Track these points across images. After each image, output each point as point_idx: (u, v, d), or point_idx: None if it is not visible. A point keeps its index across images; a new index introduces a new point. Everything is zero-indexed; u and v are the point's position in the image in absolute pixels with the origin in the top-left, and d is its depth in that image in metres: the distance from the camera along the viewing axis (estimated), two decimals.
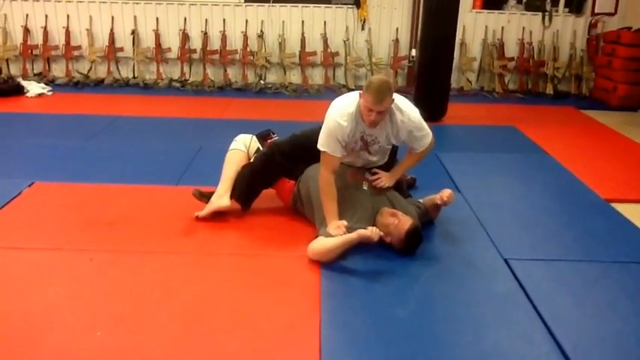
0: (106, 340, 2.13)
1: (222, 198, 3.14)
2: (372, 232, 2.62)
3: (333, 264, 2.69)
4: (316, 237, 2.80)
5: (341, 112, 2.84)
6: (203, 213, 3.12)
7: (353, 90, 6.79)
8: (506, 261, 2.79)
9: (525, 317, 2.36)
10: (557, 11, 7.13)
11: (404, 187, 3.28)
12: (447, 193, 3.00)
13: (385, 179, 3.02)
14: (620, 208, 3.48)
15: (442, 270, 2.72)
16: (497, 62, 7.01)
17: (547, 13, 7.05)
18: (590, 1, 7.08)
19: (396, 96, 2.87)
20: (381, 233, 2.66)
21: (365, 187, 2.97)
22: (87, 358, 2.04)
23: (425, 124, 2.99)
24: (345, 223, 2.74)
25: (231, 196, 3.16)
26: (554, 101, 6.75)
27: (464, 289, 2.57)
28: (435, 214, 3.15)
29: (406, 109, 2.92)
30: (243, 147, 3.27)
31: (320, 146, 2.86)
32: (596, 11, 7.07)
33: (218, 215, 3.14)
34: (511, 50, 7.14)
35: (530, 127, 5.34)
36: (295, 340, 2.18)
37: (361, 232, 2.64)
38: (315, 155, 2.94)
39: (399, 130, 2.91)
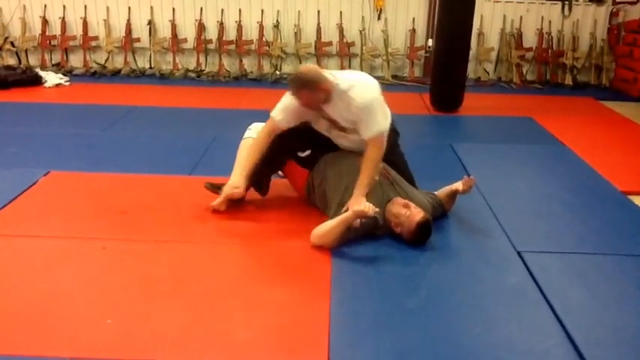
0: (116, 327, 2.15)
1: (235, 186, 3.10)
2: (365, 206, 2.62)
3: (343, 253, 2.69)
4: None
5: None
6: (217, 202, 3.09)
7: None
8: (519, 253, 2.76)
9: (537, 310, 2.34)
10: (577, 0, 7.00)
11: (411, 177, 3.23)
12: (471, 182, 3.00)
13: (353, 203, 2.77)
14: (638, 200, 3.42)
15: (454, 261, 2.71)
16: (515, 52, 6.92)
17: (567, 3, 6.93)
18: None
19: (356, 75, 2.94)
20: (377, 209, 2.64)
21: (376, 177, 2.94)
22: (97, 345, 2.06)
23: (374, 113, 2.80)
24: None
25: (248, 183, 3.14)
26: (573, 92, 6.65)
27: (475, 280, 2.55)
28: (449, 205, 3.13)
29: (359, 89, 2.81)
30: (255, 135, 3.22)
31: (272, 112, 2.98)
32: (617, 0, 6.93)
33: (233, 205, 3.13)
34: (529, 40, 7.03)
35: (548, 118, 5.27)
36: (305, 329, 2.18)
37: (356, 209, 2.64)
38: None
39: (350, 111, 2.84)
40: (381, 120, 2.87)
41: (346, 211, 2.73)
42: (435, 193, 3.14)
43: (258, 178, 3.17)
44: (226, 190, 3.08)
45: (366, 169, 2.83)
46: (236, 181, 3.06)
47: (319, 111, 2.93)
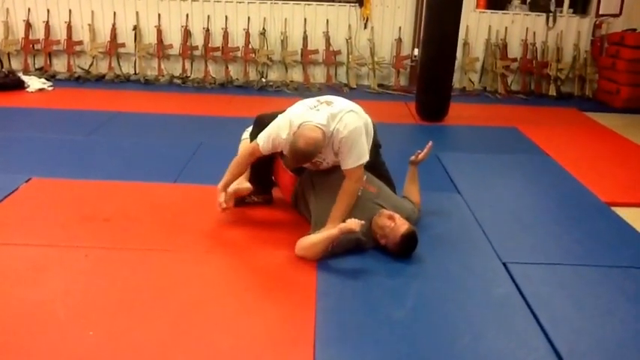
0: (98, 339, 2.11)
1: (241, 183, 3.13)
2: (350, 223, 2.60)
3: (329, 264, 2.67)
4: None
5: (290, 125, 2.80)
6: (224, 199, 3.03)
7: (354, 89, 6.79)
8: (504, 264, 2.76)
9: (523, 321, 2.34)
10: (561, 12, 7.09)
11: (392, 185, 3.22)
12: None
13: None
14: (621, 211, 3.45)
15: (439, 272, 2.70)
16: (500, 63, 6.98)
17: (551, 14, 7.01)
18: (594, 2, 7.03)
19: (344, 105, 2.86)
20: (362, 222, 2.63)
21: (359, 193, 2.92)
22: (78, 357, 2.02)
23: (358, 143, 2.77)
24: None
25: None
26: (556, 102, 6.70)
27: (461, 291, 2.55)
28: (416, 196, 3.18)
29: (344, 120, 2.77)
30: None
31: (258, 137, 2.92)
32: (600, 12, 7.02)
33: (238, 204, 3.15)
34: (514, 51, 7.10)
35: (532, 128, 5.31)
36: (290, 339, 2.16)
37: (342, 225, 2.63)
38: None
39: (335, 144, 2.80)
40: (362, 151, 2.80)
41: None
42: (404, 195, 3.17)
43: (257, 178, 3.18)
44: (232, 187, 3.08)
45: (342, 202, 2.80)
46: (241, 180, 3.13)
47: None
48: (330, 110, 2.80)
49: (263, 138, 2.90)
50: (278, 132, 2.83)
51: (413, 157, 3.21)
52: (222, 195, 3.00)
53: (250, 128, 3.28)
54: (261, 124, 3.05)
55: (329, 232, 2.67)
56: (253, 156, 2.98)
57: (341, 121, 2.76)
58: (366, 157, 2.81)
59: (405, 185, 3.22)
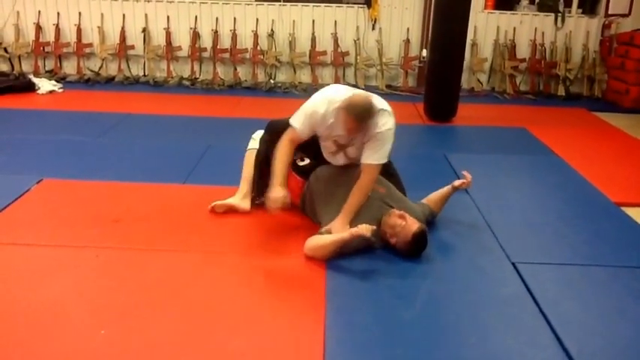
0: (110, 338, 2.13)
1: (243, 200, 3.19)
2: (361, 228, 2.59)
3: (338, 265, 2.68)
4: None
5: (329, 101, 2.82)
6: (219, 203, 3.14)
7: (363, 90, 6.76)
8: (514, 264, 2.76)
9: (532, 321, 2.34)
10: (570, 12, 7.06)
11: (400, 183, 3.23)
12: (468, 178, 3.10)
13: (336, 229, 2.79)
14: (631, 211, 3.44)
15: (448, 272, 2.70)
16: (509, 63, 6.96)
17: (560, 14, 6.99)
18: (603, 2, 7.00)
19: (388, 110, 2.85)
20: (374, 227, 2.63)
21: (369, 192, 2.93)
22: (91, 356, 2.04)
23: (388, 143, 2.82)
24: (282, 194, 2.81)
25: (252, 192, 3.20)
26: (565, 103, 6.68)
27: (470, 291, 2.55)
28: (439, 208, 3.16)
29: (386, 116, 2.81)
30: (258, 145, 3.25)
31: (292, 120, 2.89)
32: (609, 12, 6.99)
33: (230, 211, 3.18)
34: (523, 51, 7.08)
35: (541, 128, 5.29)
36: (300, 339, 2.17)
37: (353, 230, 2.63)
38: None
39: (366, 134, 2.81)
40: (388, 152, 2.85)
41: (328, 233, 2.76)
42: (424, 200, 3.16)
43: (263, 184, 3.16)
44: (233, 200, 3.16)
45: (356, 197, 2.82)
46: (244, 196, 3.19)
47: (349, 134, 2.85)
48: (375, 99, 2.82)
49: (298, 120, 2.86)
50: (314, 109, 2.83)
51: (458, 183, 3.14)
52: (280, 189, 2.84)
53: (256, 135, 3.29)
54: (273, 129, 3.06)
55: (340, 235, 2.68)
56: (294, 142, 2.91)
57: (382, 116, 2.79)
58: (387, 159, 2.87)
59: (432, 195, 3.19)
